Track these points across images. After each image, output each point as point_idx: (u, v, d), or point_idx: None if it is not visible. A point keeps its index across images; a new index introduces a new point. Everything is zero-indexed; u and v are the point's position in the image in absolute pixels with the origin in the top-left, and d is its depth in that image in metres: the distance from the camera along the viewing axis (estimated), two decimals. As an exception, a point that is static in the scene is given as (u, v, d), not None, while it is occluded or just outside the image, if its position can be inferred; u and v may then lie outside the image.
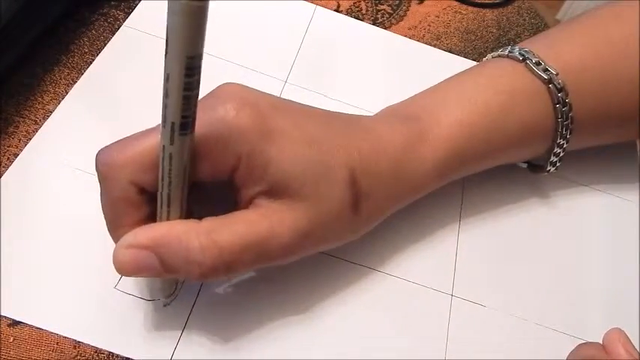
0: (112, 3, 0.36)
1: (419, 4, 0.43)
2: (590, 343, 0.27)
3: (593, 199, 0.36)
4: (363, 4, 0.42)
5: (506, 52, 0.32)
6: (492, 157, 0.31)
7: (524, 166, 0.34)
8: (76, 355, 0.25)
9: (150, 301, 0.27)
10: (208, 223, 0.23)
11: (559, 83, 0.30)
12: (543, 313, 0.31)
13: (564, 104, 0.30)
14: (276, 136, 0.23)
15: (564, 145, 0.32)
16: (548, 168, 0.33)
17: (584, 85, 0.31)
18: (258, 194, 0.24)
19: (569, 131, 0.31)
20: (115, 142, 0.23)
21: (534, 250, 0.33)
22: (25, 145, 0.30)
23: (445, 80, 0.32)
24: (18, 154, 0.29)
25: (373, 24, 0.41)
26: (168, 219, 0.23)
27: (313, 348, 0.27)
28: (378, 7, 0.42)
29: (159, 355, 0.25)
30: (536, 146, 0.32)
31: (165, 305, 0.27)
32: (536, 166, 0.34)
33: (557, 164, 0.33)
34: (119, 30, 0.35)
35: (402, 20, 0.42)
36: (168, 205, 0.23)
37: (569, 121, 0.30)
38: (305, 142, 0.24)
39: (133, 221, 0.23)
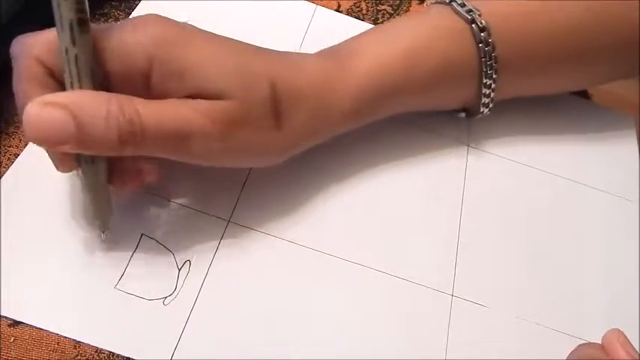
0: (112, 3, 0.36)
1: (419, 4, 0.43)
2: (590, 343, 0.27)
3: (593, 199, 0.36)
4: (363, 4, 0.42)
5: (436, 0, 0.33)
6: (415, 93, 0.31)
7: (463, 115, 0.35)
8: (77, 355, 0.25)
9: (150, 301, 0.27)
10: (130, 96, 0.23)
11: (481, 23, 0.30)
12: (543, 313, 0.31)
13: (487, 44, 0.31)
14: (194, 44, 0.24)
15: (492, 86, 0.32)
16: (482, 110, 0.34)
17: (510, 27, 0.32)
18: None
19: (494, 71, 0.31)
20: None
21: (534, 250, 0.33)
22: (26, 145, 0.30)
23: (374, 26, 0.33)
24: (18, 154, 0.29)
25: (374, 24, 0.41)
26: None
27: (312, 347, 0.27)
28: (378, 7, 0.42)
29: (159, 355, 0.25)
30: (464, 87, 0.32)
31: (102, 240, 0.27)
32: (470, 111, 0.35)
33: (490, 105, 0.33)
34: (119, 30, 0.35)
35: (402, 20, 0.42)
36: None
37: (493, 60, 0.31)
38: (225, 52, 0.25)
39: None
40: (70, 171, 0.25)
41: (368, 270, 0.30)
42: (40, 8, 0.31)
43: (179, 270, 0.28)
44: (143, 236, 0.28)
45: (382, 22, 0.41)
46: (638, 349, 0.25)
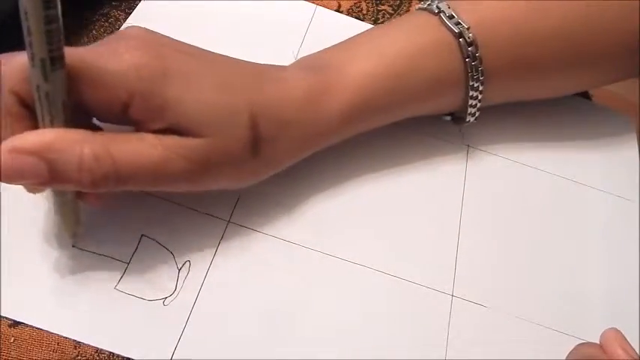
0: (113, 3, 0.36)
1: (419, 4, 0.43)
2: (589, 343, 0.27)
3: (593, 199, 0.36)
4: (363, 5, 0.42)
5: (425, 5, 0.32)
6: (400, 107, 0.31)
7: (448, 119, 0.35)
8: (77, 356, 0.25)
9: (150, 302, 0.27)
10: (103, 135, 0.23)
11: (469, 37, 0.30)
12: (543, 313, 0.31)
13: (474, 58, 0.30)
14: (176, 78, 0.23)
15: (478, 97, 0.32)
16: (468, 119, 0.33)
17: (497, 38, 0.31)
18: (155, 131, 0.24)
19: (480, 83, 0.31)
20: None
21: (534, 250, 0.33)
22: (26, 145, 0.30)
23: (360, 33, 0.32)
24: (18, 155, 0.29)
25: (374, 24, 0.41)
26: None
27: (312, 348, 0.27)
28: (378, 8, 0.42)
29: (159, 356, 0.26)
30: (450, 97, 0.32)
31: (73, 245, 0.27)
32: (458, 118, 0.34)
33: (476, 114, 0.33)
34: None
35: (402, 20, 0.42)
36: None
37: (480, 74, 0.31)
38: (206, 86, 0.24)
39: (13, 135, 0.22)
40: (40, 192, 0.25)
41: (368, 270, 0.30)
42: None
43: (179, 270, 0.28)
44: (143, 237, 0.28)
45: (382, 23, 0.41)
46: (637, 349, 0.25)
